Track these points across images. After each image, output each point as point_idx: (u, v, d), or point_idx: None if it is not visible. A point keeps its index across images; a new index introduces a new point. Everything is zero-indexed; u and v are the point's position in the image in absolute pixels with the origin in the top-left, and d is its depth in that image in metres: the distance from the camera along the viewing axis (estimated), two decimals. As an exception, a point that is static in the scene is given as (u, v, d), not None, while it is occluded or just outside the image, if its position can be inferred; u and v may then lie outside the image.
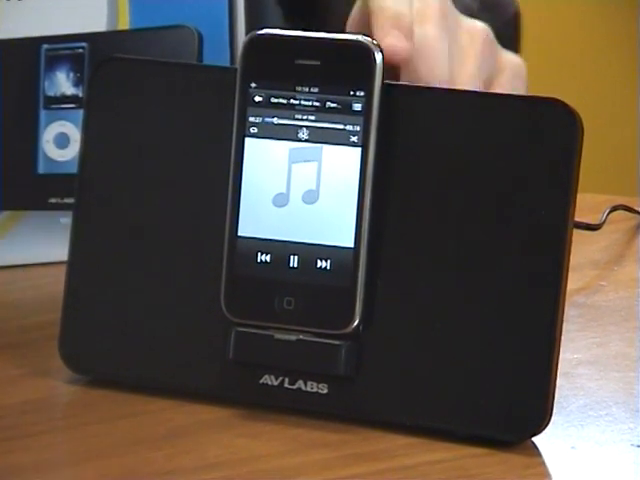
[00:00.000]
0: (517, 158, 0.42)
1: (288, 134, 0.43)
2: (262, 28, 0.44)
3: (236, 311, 0.44)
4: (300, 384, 0.43)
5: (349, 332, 0.42)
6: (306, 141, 0.43)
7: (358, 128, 0.42)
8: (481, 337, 0.41)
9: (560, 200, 0.40)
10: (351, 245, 0.42)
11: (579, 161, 0.40)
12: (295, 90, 0.43)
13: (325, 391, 0.43)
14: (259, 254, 0.43)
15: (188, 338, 0.45)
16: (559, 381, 0.41)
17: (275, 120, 0.43)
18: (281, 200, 0.43)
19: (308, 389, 0.43)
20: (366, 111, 0.42)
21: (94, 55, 0.55)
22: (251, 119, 0.44)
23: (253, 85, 0.44)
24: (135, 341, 0.46)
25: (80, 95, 0.56)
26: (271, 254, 0.43)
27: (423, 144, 0.42)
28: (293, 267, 0.43)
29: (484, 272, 0.41)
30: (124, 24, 0.55)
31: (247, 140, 0.44)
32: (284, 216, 0.43)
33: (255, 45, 0.44)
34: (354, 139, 0.42)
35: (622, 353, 0.49)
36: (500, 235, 0.41)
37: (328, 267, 0.42)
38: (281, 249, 0.43)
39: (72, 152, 0.56)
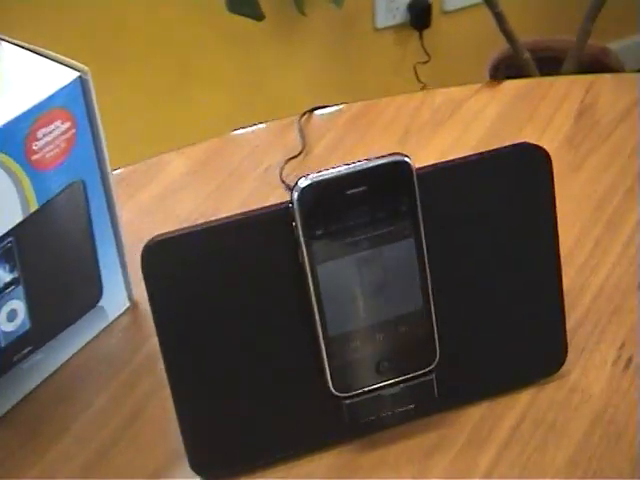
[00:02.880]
0: (513, 200, 0.57)
1: (351, 249, 0.52)
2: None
3: (344, 388, 0.55)
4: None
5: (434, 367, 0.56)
6: (368, 248, 0.52)
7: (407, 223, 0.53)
8: (514, 326, 0.59)
9: (546, 223, 0.58)
10: (420, 307, 0.55)
11: (553, 191, 0.57)
12: (349, 217, 0.52)
13: (412, 406, 0.57)
14: (350, 343, 0.54)
15: (297, 419, 0.56)
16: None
17: (337, 244, 0.52)
18: (356, 298, 0.53)
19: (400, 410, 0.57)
20: (412, 210, 0.53)
21: (22, 243, 0.58)
22: (316, 249, 0.51)
23: (313, 222, 0.51)
24: (254, 438, 0.56)
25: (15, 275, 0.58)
26: (359, 339, 0.54)
27: (444, 215, 0.55)
28: (380, 340, 0.54)
29: (506, 287, 0.58)
30: (34, 205, 0.58)
31: (319, 268, 0.52)
32: (363, 309, 0.53)
33: (310, 189, 0.50)
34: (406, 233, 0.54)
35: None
36: (510, 264, 0.58)
37: (407, 329, 0.55)
38: (366, 333, 0.54)
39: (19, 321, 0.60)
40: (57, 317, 0.64)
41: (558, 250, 0.59)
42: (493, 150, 0.57)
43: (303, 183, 0.51)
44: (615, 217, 0.74)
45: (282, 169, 0.79)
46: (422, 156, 0.79)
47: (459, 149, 0.81)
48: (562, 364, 0.62)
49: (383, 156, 0.53)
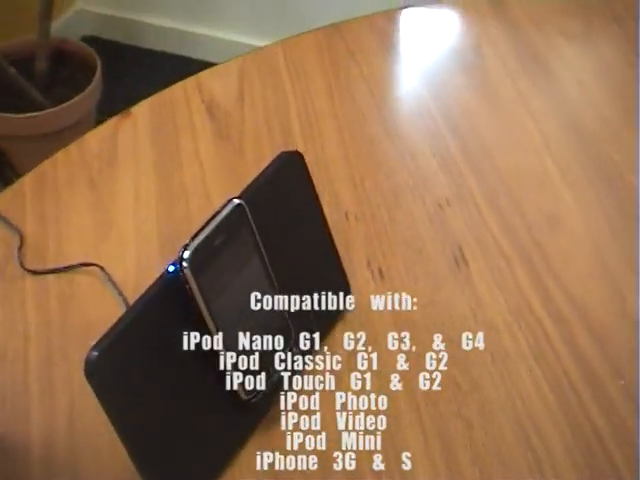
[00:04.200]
0: (292, 194, 0.74)
1: (227, 282, 0.66)
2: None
3: (250, 392, 0.69)
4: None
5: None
6: (235, 276, 0.66)
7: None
8: (318, 281, 0.75)
9: (313, 205, 0.76)
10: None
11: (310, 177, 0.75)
12: (221, 261, 0.65)
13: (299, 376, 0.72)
14: (246, 353, 0.67)
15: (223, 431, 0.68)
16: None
17: (219, 284, 0.65)
18: (241, 315, 0.67)
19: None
20: (252, 235, 0.68)
21: None
22: (206, 294, 0.64)
23: (200, 277, 0.63)
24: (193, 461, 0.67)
25: None
26: (251, 346, 0.68)
27: (262, 226, 0.69)
28: (262, 339, 0.69)
29: (307, 257, 0.76)
30: None
31: (212, 306, 0.64)
32: (247, 321, 0.67)
33: (192, 255, 0.62)
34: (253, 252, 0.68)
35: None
36: (306, 238, 0.76)
37: (274, 319, 0.70)
38: (254, 337, 0.68)
39: None
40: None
41: (325, 218, 0.78)
42: (269, 166, 0.73)
43: (187, 254, 0.63)
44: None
45: (20, 259, 0.84)
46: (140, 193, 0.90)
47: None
48: (350, 293, 0.80)
49: (224, 206, 0.67)
